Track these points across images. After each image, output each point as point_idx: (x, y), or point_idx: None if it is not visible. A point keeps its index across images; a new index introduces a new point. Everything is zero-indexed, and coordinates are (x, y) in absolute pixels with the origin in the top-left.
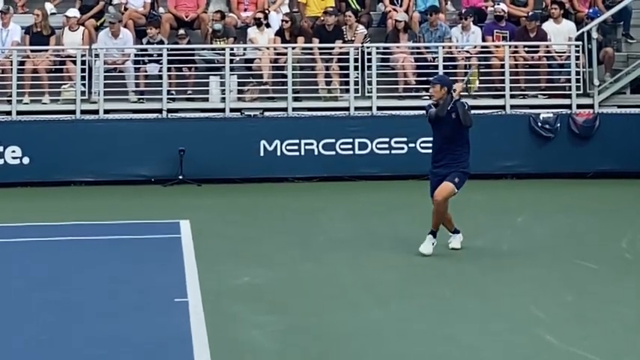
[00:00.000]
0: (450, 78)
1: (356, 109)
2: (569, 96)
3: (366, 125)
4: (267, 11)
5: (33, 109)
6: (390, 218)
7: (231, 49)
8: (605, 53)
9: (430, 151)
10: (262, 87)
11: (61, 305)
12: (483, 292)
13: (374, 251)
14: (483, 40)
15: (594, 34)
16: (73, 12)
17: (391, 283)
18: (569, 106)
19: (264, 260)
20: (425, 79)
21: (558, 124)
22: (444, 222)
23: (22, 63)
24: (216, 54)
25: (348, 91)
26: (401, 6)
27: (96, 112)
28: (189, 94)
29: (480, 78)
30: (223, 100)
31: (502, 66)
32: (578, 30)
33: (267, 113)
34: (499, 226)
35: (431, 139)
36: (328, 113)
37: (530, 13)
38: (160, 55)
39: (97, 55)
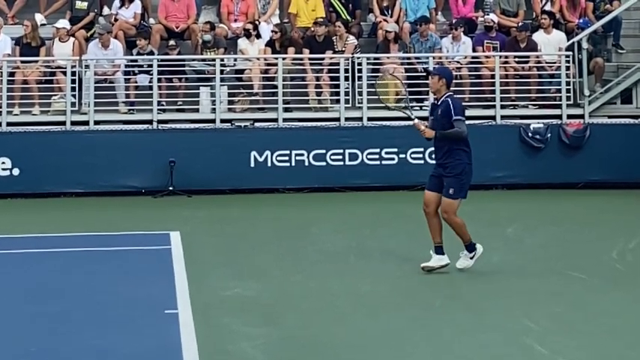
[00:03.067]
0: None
1: (346, 119)
2: (559, 106)
3: (357, 136)
4: (257, 22)
5: (23, 121)
6: (381, 229)
7: (222, 59)
8: (595, 63)
9: (422, 161)
10: (253, 98)
11: (51, 317)
12: (474, 303)
13: (364, 262)
14: (474, 50)
15: (584, 45)
16: (63, 23)
17: (381, 294)
18: (559, 117)
19: (255, 272)
20: (416, 89)
21: (549, 135)
22: (432, 229)
23: (12, 74)
24: (207, 65)
25: (338, 101)
26: (391, 16)
27: (86, 123)
28: (180, 104)
29: (471, 89)
30: (214, 110)
31: (492, 76)
32: (568, 40)
33: (257, 124)
34: (489, 237)
35: (421, 149)
36: (319, 124)
37: (520, 24)
38: (150, 65)
39: (87, 66)
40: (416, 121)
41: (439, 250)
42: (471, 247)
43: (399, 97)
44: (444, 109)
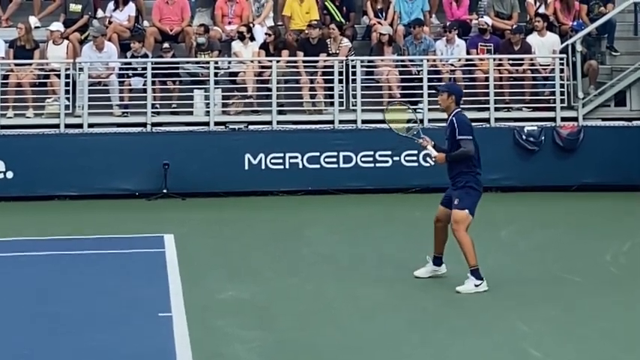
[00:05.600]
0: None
1: (340, 122)
2: (553, 109)
3: (351, 138)
4: (251, 24)
5: (17, 124)
6: (375, 232)
7: (216, 62)
8: (589, 66)
9: (415, 164)
10: (247, 100)
11: (45, 319)
12: (469, 306)
13: (359, 265)
14: (468, 53)
15: (578, 47)
16: (57, 26)
17: (376, 297)
18: (553, 119)
19: (249, 274)
20: (409, 92)
21: (543, 137)
22: (436, 241)
23: (5, 77)
24: (201, 67)
25: (332, 104)
26: (385, 19)
27: (80, 126)
28: (174, 107)
29: (465, 91)
30: (208, 113)
31: (486, 79)
32: (562, 43)
33: (251, 126)
34: (483, 240)
35: (415, 152)
36: (313, 126)
37: (514, 26)
38: (145, 68)
39: (81, 69)
40: (429, 147)
41: (437, 261)
42: (477, 274)
43: (409, 124)
44: (451, 129)
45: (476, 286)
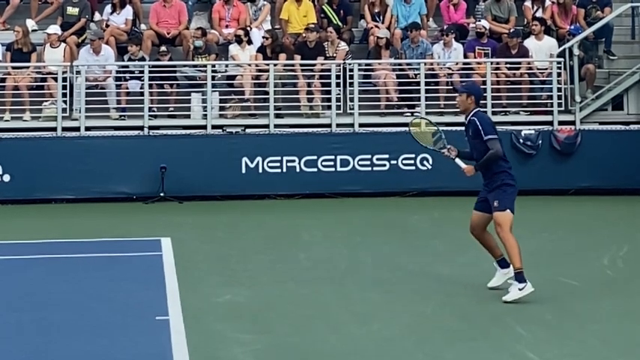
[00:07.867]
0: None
1: (338, 125)
2: (550, 112)
3: (348, 142)
4: (248, 28)
5: (14, 127)
6: (372, 236)
7: (213, 65)
8: (586, 70)
9: (413, 167)
10: (244, 104)
11: (42, 324)
12: (465, 310)
13: (356, 269)
14: (465, 56)
15: (576, 51)
16: (54, 29)
17: (372, 301)
18: (550, 123)
19: (246, 278)
20: (407, 95)
21: (540, 141)
22: (487, 248)
23: (2, 80)
24: (198, 71)
25: (329, 107)
26: (383, 22)
27: (77, 129)
28: (171, 111)
29: None
30: (205, 117)
31: (484, 82)
32: (559, 46)
33: (248, 130)
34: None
35: (413, 155)
36: (310, 130)
37: (511, 30)
38: (142, 71)
39: (78, 72)
40: (456, 160)
41: (503, 263)
42: (521, 277)
43: (434, 137)
44: (473, 129)
45: (520, 290)
